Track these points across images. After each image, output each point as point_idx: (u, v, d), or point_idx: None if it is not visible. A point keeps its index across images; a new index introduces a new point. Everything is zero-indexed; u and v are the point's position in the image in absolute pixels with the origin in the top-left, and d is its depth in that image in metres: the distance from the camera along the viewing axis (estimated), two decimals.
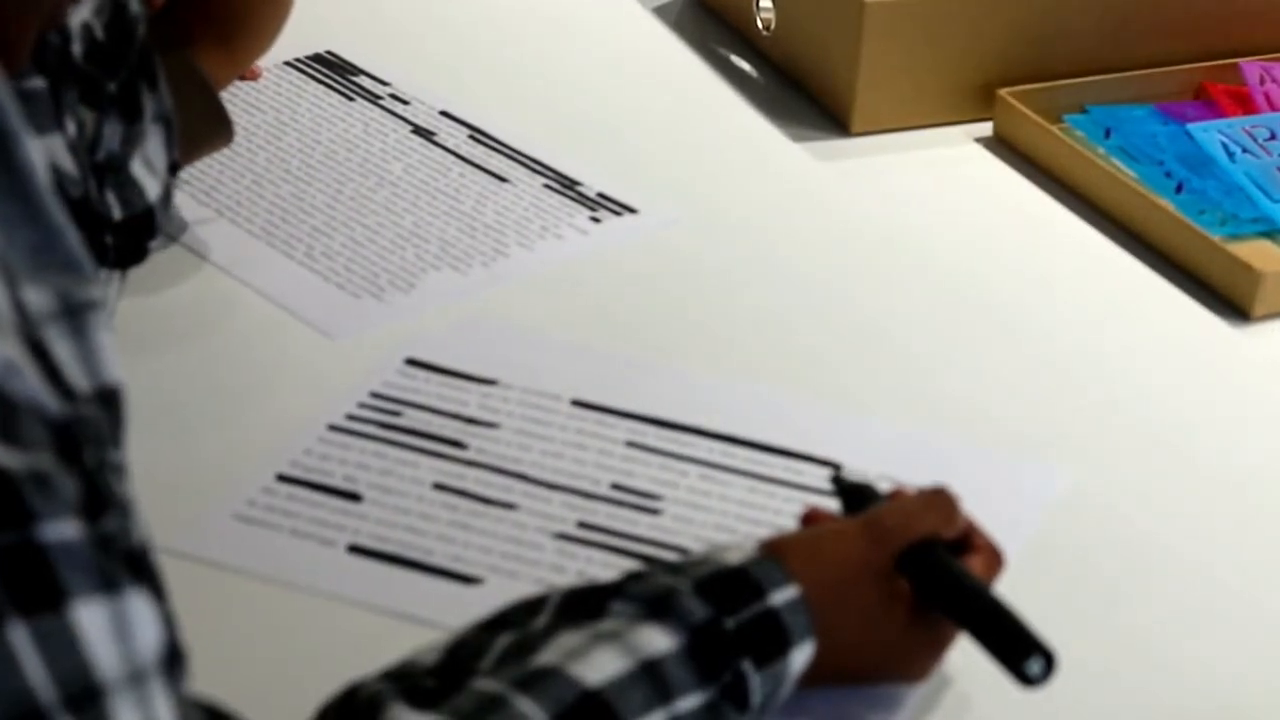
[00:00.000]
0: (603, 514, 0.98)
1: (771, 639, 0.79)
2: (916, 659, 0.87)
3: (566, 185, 1.28)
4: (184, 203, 1.22)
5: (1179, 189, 1.29)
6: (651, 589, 0.79)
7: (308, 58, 1.41)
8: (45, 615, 0.57)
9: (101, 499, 0.59)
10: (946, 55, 1.37)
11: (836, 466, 1.02)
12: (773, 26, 1.45)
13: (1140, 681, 0.91)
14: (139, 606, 0.59)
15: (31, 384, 0.58)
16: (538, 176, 1.29)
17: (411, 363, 1.08)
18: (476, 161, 1.30)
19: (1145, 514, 1.02)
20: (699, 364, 1.10)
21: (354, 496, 0.98)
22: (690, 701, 0.76)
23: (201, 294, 1.15)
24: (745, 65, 1.46)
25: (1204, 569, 0.99)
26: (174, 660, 0.60)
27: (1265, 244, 1.26)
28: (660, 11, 1.54)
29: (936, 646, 0.87)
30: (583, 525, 0.97)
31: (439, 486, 0.99)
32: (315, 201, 1.24)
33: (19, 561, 0.57)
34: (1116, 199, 1.28)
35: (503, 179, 1.28)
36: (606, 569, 0.94)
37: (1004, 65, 1.38)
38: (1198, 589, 0.97)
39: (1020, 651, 0.83)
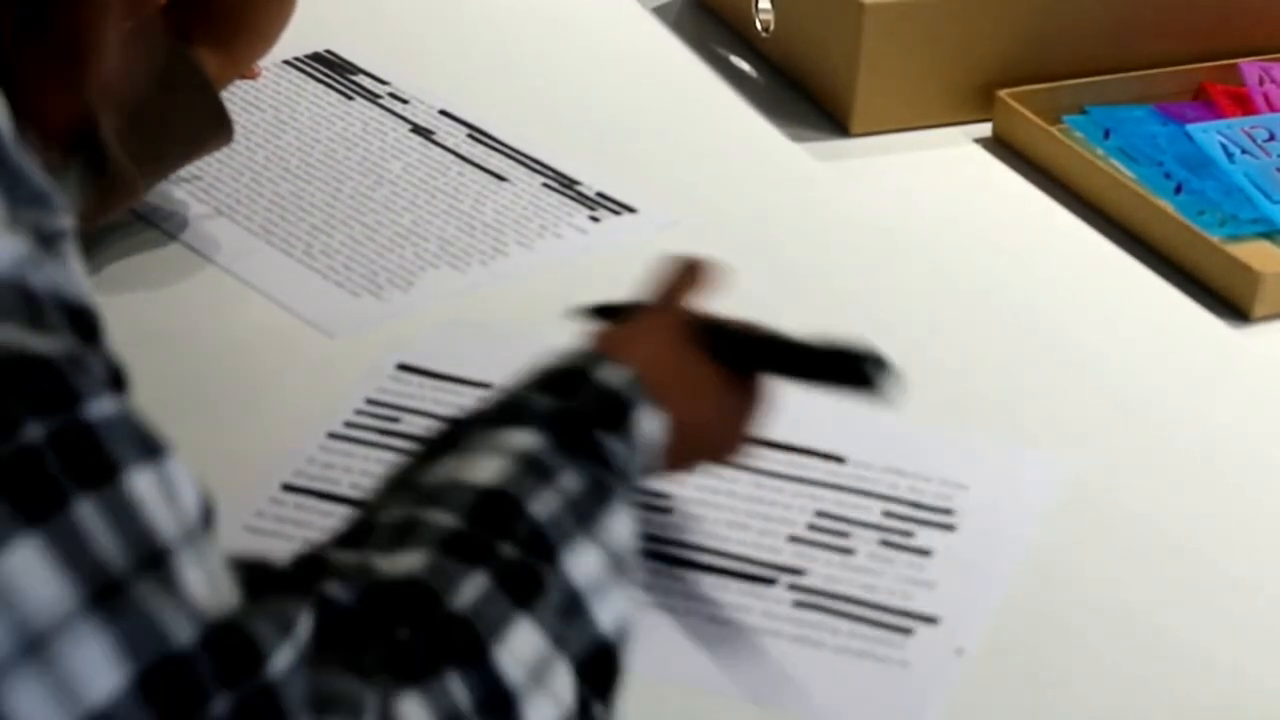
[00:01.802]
0: None
1: (614, 408, 0.83)
2: (742, 420, 0.92)
3: (566, 185, 1.28)
4: (183, 200, 1.22)
5: (1178, 190, 1.30)
6: (496, 404, 0.83)
7: (307, 56, 1.41)
8: (105, 488, 0.60)
9: (120, 374, 0.62)
10: (946, 56, 1.37)
11: (841, 460, 1.02)
12: (772, 27, 1.45)
13: (1142, 676, 0.91)
14: (177, 469, 0.63)
15: (50, 273, 0.61)
16: (537, 176, 1.29)
17: (403, 368, 1.08)
18: (476, 160, 1.30)
19: (1146, 514, 1.02)
20: None
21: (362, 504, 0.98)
22: (571, 480, 0.79)
23: (199, 292, 1.15)
24: (745, 66, 1.46)
25: (1204, 568, 0.99)
26: (208, 516, 0.64)
27: (1265, 245, 1.26)
28: (660, 11, 1.53)
29: (753, 406, 0.92)
30: None
31: None
32: (314, 200, 1.24)
33: (73, 440, 0.60)
34: (1116, 200, 1.28)
35: (502, 178, 1.28)
36: None
37: (1003, 66, 1.38)
38: (1198, 588, 0.97)
39: (854, 364, 0.87)
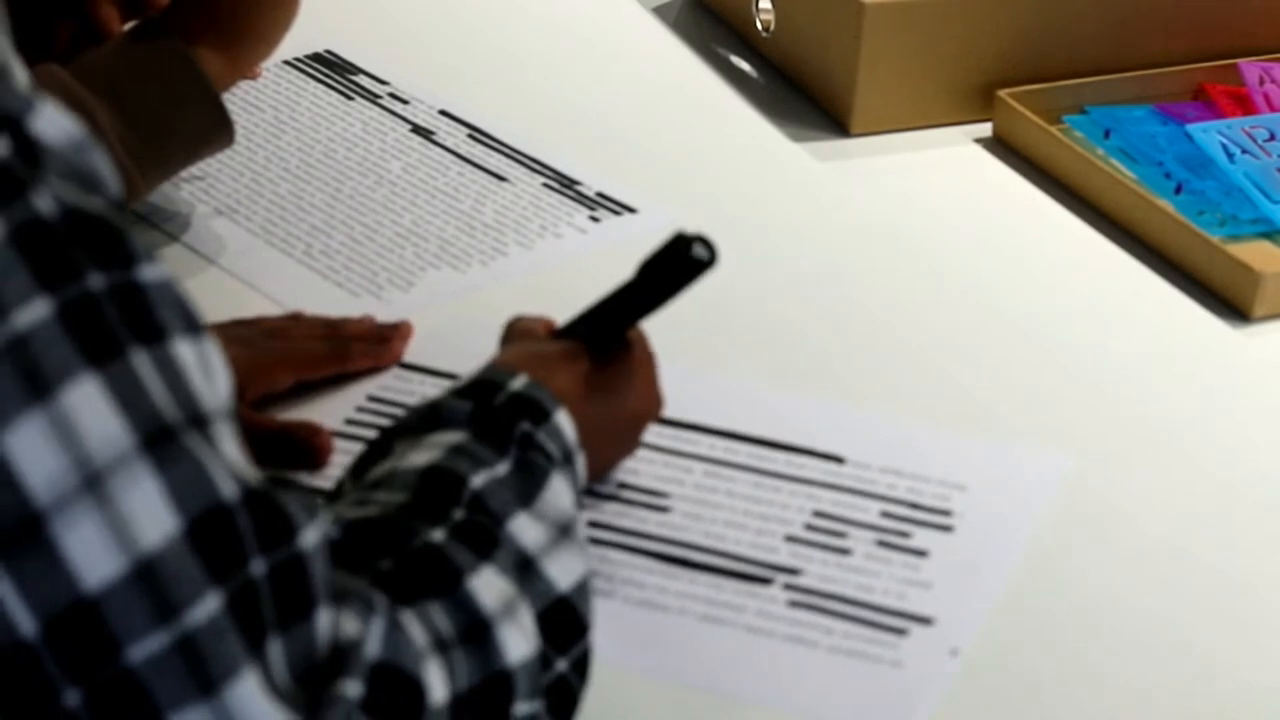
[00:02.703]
0: (610, 512, 0.98)
1: (531, 407, 0.85)
2: (640, 378, 0.95)
3: (566, 185, 1.28)
4: (182, 201, 1.22)
5: (1178, 190, 1.29)
6: (415, 414, 0.85)
7: (307, 57, 1.41)
8: (156, 346, 0.62)
9: (155, 256, 0.64)
10: (946, 56, 1.37)
11: (840, 460, 1.02)
12: (772, 27, 1.45)
13: (1139, 677, 0.91)
14: (215, 352, 0.65)
15: (97, 160, 0.64)
16: (537, 176, 1.29)
17: (405, 366, 1.08)
18: (476, 161, 1.30)
19: (1146, 514, 1.02)
20: (699, 362, 1.10)
21: None
22: (503, 467, 0.81)
23: (199, 292, 1.15)
24: (745, 66, 1.46)
25: (1204, 568, 0.99)
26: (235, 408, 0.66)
27: (1265, 245, 1.26)
28: (660, 11, 1.54)
29: (638, 356, 0.95)
30: (592, 524, 0.97)
31: None
32: (314, 200, 1.24)
33: (129, 297, 0.62)
34: (1116, 200, 1.28)
35: (502, 178, 1.28)
36: (618, 566, 0.95)
37: (1003, 66, 1.38)
38: (1196, 589, 0.97)
39: (680, 252, 0.90)
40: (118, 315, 0.61)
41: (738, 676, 0.89)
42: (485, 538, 0.77)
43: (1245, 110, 1.38)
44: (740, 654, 0.90)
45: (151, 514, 0.61)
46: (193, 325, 0.64)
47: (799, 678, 0.89)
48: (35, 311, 0.60)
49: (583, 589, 0.80)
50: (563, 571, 0.80)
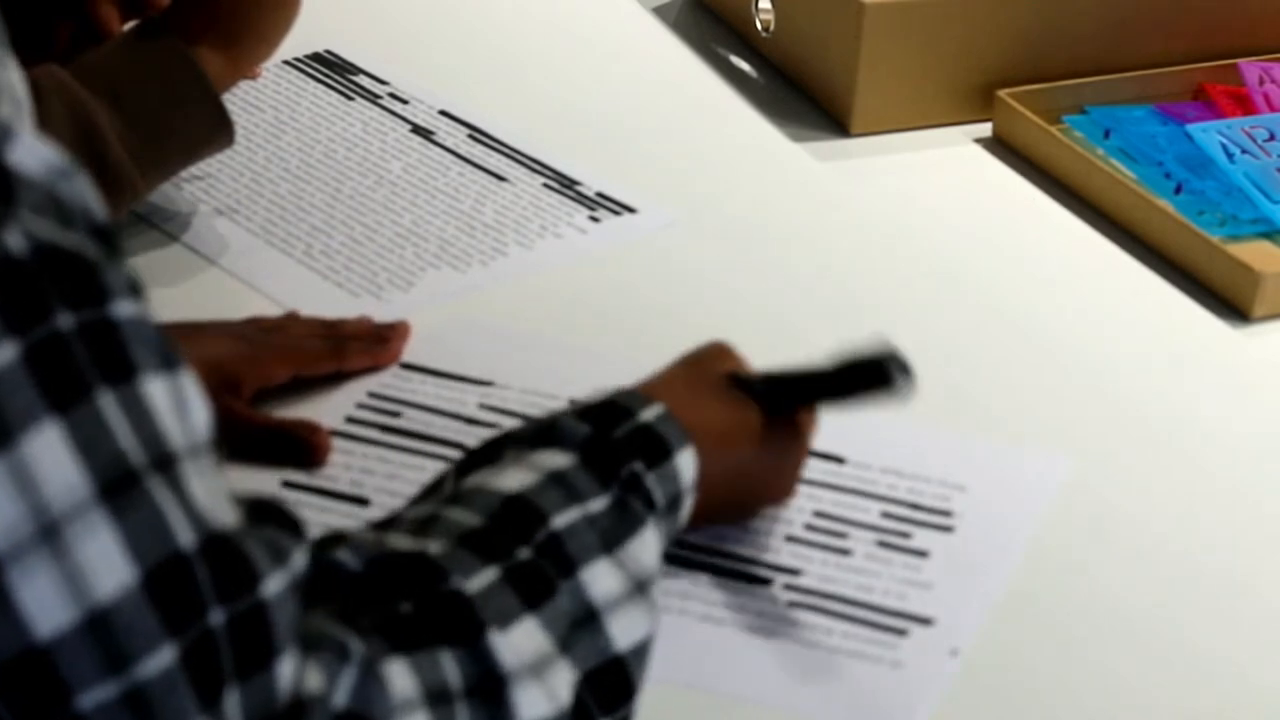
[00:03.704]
0: None
1: (653, 444, 0.84)
2: (789, 458, 0.94)
3: (566, 185, 1.28)
4: (183, 201, 1.22)
5: (1178, 190, 1.29)
6: (534, 426, 0.84)
7: (307, 57, 1.41)
8: (124, 386, 0.61)
9: (138, 286, 0.63)
10: (946, 56, 1.37)
11: (840, 460, 1.02)
12: (772, 27, 1.45)
13: (1139, 678, 0.91)
14: (190, 385, 0.63)
15: (77, 187, 0.63)
16: (537, 176, 1.29)
17: (406, 366, 1.08)
18: (476, 161, 1.30)
19: (1145, 514, 1.02)
20: None
21: (362, 501, 0.98)
22: (598, 504, 0.80)
23: (199, 292, 1.15)
24: (745, 66, 1.46)
25: (1204, 568, 0.99)
26: (215, 443, 0.65)
27: (1265, 245, 1.26)
28: (660, 11, 1.54)
29: (799, 444, 0.94)
30: None
31: None
32: (314, 200, 1.24)
33: (100, 335, 0.61)
34: (1116, 200, 1.28)
35: (502, 178, 1.28)
36: None
37: (1003, 66, 1.38)
38: (1196, 589, 0.97)
39: (878, 372, 0.90)
40: (87, 355, 0.60)
41: (738, 676, 0.89)
42: (541, 585, 0.75)
43: (1245, 110, 1.38)
44: (740, 654, 0.90)
45: (107, 564, 0.60)
46: (167, 361, 0.63)
47: (799, 678, 0.89)
48: (1, 355, 0.59)
49: (641, 652, 0.78)
50: (625, 630, 0.78)
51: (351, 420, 1.04)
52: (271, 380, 1.03)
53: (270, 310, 1.12)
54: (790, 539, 0.97)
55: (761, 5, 1.46)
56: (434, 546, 0.75)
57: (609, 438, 0.83)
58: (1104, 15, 1.40)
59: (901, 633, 0.91)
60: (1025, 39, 1.38)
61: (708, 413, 0.89)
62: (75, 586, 0.59)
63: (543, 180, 1.28)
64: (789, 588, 0.94)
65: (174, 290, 1.15)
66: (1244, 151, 1.33)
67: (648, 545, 0.81)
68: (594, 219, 1.25)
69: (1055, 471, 1.04)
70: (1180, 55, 1.41)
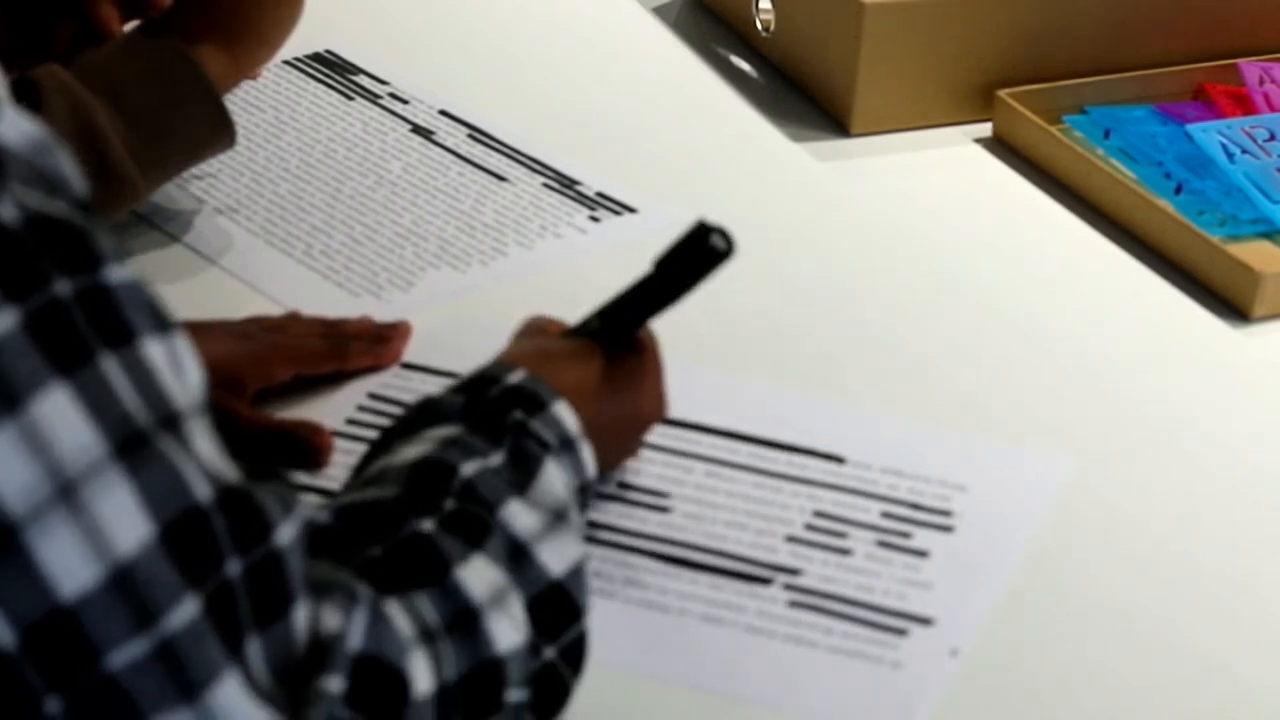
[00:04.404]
0: (613, 513, 0.98)
1: (527, 399, 0.86)
2: (647, 378, 0.95)
3: (566, 185, 1.28)
4: (182, 200, 1.22)
5: (1178, 190, 1.29)
6: (411, 412, 0.85)
7: (307, 56, 1.41)
8: (125, 348, 0.62)
9: (122, 253, 0.64)
10: (946, 56, 1.37)
11: (840, 460, 1.02)
12: (772, 27, 1.45)
13: (1139, 678, 0.91)
14: (185, 347, 0.64)
15: (57, 160, 0.63)
16: (537, 176, 1.29)
17: (407, 366, 1.08)
18: (476, 161, 1.30)
19: (1146, 514, 1.02)
20: (700, 362, 1.10)
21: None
22: (496, 458, 0.82)
23: (200, 292, 1.15)
24: (745, 65, 1.46)
25: (1205, 568, 0.99)
26: (209, 403, 0.66)
27: (1265, 245, 1.26)
28: (660, 11, 1.54)
29: (645, 357, 0.95)
30: (593, 525, 0.97)
31: None
32: (314, 200, 1.24)
33: (97, 300, 0.62)
34: (1116, 200, 1.28)
35: (502, 178, 1.28)
36: (619, 567, 0.95)
37: (1003, 66, 1.38)
38: (1196, 589, 0.97)
39: (699, 241, 0.90)
40: (85, 320, 0.61)
41: (738, 676, 0.89)
42: (476, 526, 0.78)
43: (1245, 110, 1.38)
44: (740, 654, 0.90)
45: (126, 520, 0.60)
46: (162, 323, 0.64)
47: (799, 678, 0.89)
48: (2, 322, 0.60)
49: (577, 574, 0.81)
50: (556, 557, 0.80)
51: (352, 421, 1.04)
52: (273, 380, 1.03)
53: (271, 310, 1.12)
54: (790, 539, 0.97)
55: (761, 5, 1.46)
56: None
57: (486, 400, 0.85)
58: (1104, 15, 1.40)
59: (901, 633, 0.91)
60: (1025, 39, 1.38)
61: (560, 368, 0.90)
62: (96, 544, 0.60)
63: (543, 180, 1.28)
64: (789, 588, 0.94)
65: (174, 289, 1.15)
66: (1244, 151, 1.33)
67: (553, 479, 0.83)
68: (594, 219, 1.25)
69: (1055, 471, 1.04)
70: (1180, 55, 1.41)
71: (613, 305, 0.95)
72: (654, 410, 0.97)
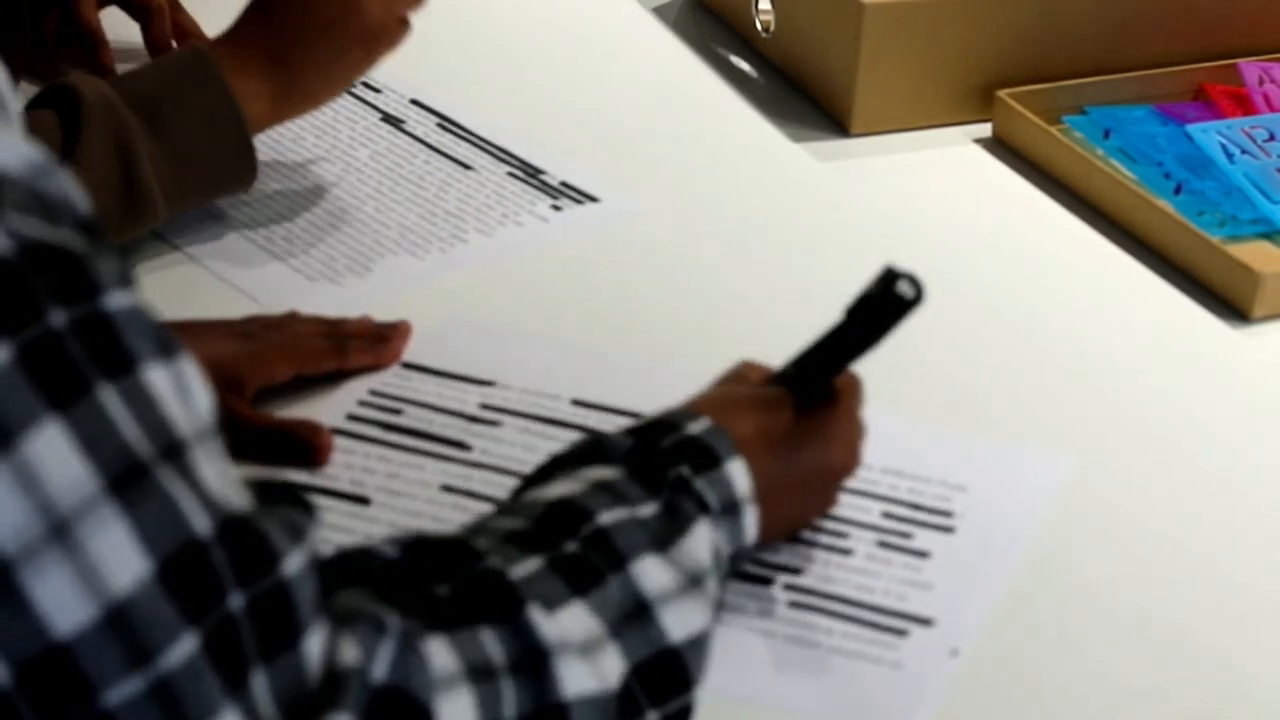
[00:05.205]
0: None
1: (701, 453, 0.85)
2: (835, 433, 0.93)
3: (531, 174, 1.28)
4: None
5: (1178, 190, 1.29)
6: (580, 445, 0.85)
7: None
8: (124, 378, 0.61)
9: (128, 276, 0.63)
10: (945, 56, 1.37)
11: None
12: (772, 27, 1.45)
13: (1139, 678, 0.91)
14: (191, 371, 0.63)
15: (59, 182, 0.62)
16: (502, 164, 1.29)
17: (407, 365, 1.08)
18: (443, 149, 1.30)
19: (1146, 514, 1.02)
20: (699, 363, 1.10)
21: (363, 500, 0.98)
22: (647, 509, 0.81)
23: (158, 276, 1.15)
24: (745, 66, 1.46)
25: (1205, 568, 0.99)
26: (218, 426, 0.65)
27: (1264, 245, 1.26)
28: (660, 11, 1.54)
29: (841, 408, 0.93)
30: None
31: (447, 488, 0.99)
32: (278, 186, 1.24)
33: (94, 330, 0.60)
34: (1116, 200, 1.28)
35: (468, 166, 1.29)
36: None
37: (1003, 66, 1.38)
38: (1197, 589, 0.97)
39: (885, 297, 0.89)
40: (82, 350, 0.60)
41: (738, 676, 0.89)
42: (588, 575, 0.76)
43: (1245, 110, 1.38)
44: (740, 654, 0.90)
45: (121, 557, 0.59)
46: (166, 348, 0.63)
47: (799, 678, 0.89)
48: None
49: (697, 645, 0.79)
50: (679, 622, 0.78)
51: (353, 419, 1.04)
52: (273, 379, 1.03)
53: (228, 293, 1.12)
54: (790, 539, 0.97)
55: (761, 5, 1.46)
56: (476, 542, 0.76)
57: (655, 449, 0.84)
58: (1104, 15, 1.40)
59: (902, 633, 0.91)
60: (1025, 39, 1.38)
61: (746, 419, 0.89)
62: (90, 582, 0.59)
63: (508, 169, 1.29)
64: (789, 588, 0.94)
65: (159, 284, 1.15)
66: (1244, 152, 1.33)
67: (700, 542, 0.81)
68: (556, 208, 1.25)
69: (1055, 471, 1.04)
70: (1180, 55, 1.41)
71: (807, 353, 0.93)
72: (845, 461, 0.95)
